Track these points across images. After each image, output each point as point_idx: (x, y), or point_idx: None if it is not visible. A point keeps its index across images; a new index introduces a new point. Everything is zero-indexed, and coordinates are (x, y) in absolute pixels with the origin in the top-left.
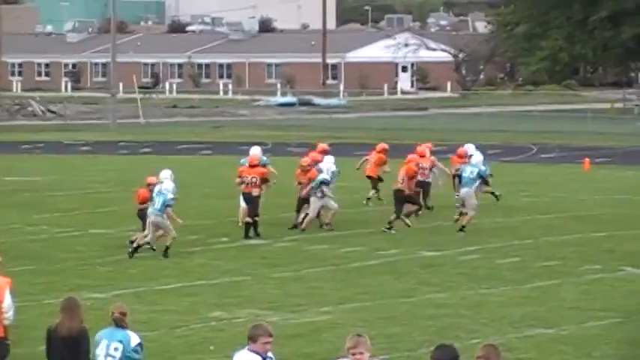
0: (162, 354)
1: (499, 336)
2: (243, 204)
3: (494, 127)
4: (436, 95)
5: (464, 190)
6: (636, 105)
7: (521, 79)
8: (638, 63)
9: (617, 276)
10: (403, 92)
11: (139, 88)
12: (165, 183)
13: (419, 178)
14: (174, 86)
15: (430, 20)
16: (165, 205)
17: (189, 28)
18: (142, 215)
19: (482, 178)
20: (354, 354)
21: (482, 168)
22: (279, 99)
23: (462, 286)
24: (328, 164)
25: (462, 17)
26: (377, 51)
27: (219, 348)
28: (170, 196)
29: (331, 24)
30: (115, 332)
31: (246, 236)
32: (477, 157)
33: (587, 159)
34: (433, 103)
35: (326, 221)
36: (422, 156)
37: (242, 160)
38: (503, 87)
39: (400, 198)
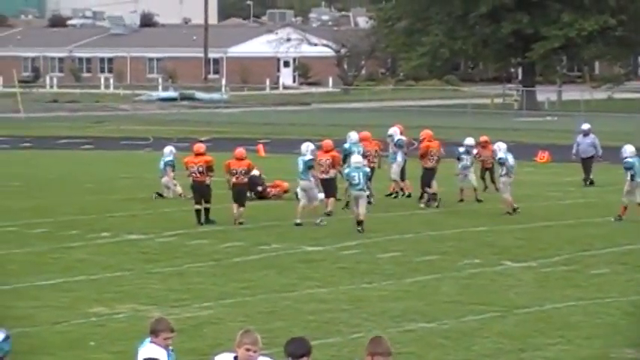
0: (42, 350)
1: (380, 330)
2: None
3: (376, 122)
4: (318, 90)
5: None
6: (515, 100)
7: (402, 74)
8: (517, 58)
9: (496, 270)
10: (285, 87)
11: (19, 82)
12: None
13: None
14: (55, 80)
15: (312, 15)
16: (308, 167)
17: (70, 22)
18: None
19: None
20: (248, 350)
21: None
22: (161, 94)
23: (343, 280)
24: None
25: (343, 12)
26: (259, 46)
27: (100, 344)
28: (309, 156)
29: (213, 19)
30: None
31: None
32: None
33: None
34: (315, 98)
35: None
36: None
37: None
38: (384, 82)
39: None
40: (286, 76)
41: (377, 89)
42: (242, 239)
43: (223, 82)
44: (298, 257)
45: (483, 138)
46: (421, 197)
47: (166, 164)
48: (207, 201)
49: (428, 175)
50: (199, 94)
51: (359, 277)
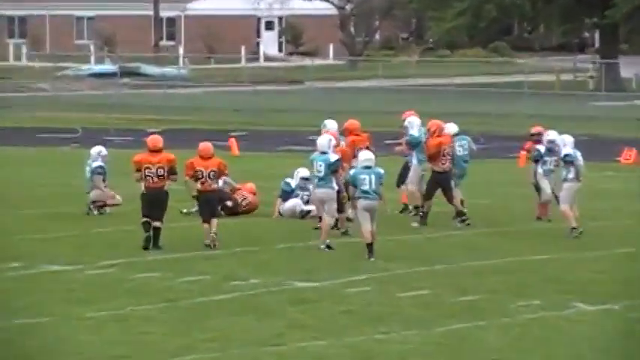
0: None
1: None
2: None
3: (394, 108)
4: (314, 63)
5: None
6: (591, 77)
7: (431, 40)
8: (593, 18)
9: (562, 315)
10: (268, 58)
11: None
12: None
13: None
14: None
15: None
16: (334, 170)
17: None
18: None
19: None
20: None
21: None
22: (94, 67)
23: (348, 329)
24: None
25: None
26: (230, 0)
27: None
28: (335, 156)
29: None
30: None
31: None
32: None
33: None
34: (310, 74)
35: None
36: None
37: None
38: (406, 52)
39: None
40: (269, 42)
41: (396, 61)
42: (207, 271)
43: (181, 50)
44: (286, 296)
45: (537, 129)
46: (458, 215)
47: (94, 172)
48: (160, 217)
49: (442, 181)
50: (147, 69)
51: (370, 325)
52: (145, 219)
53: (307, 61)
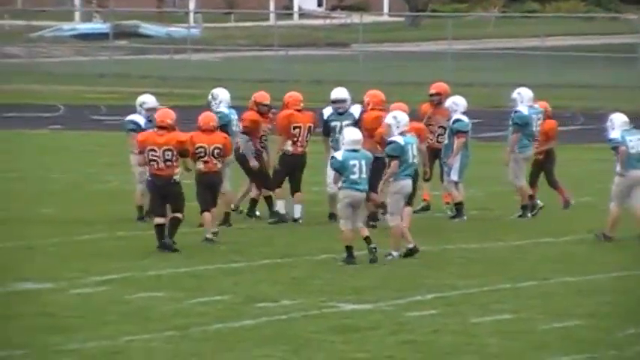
0: None
1: None
2: None
3: (466, 80)
4: (364, 21)
5: None
6: None
7: None
8: None
9: None
10: (303, 15)
11: None
12: None
13: None
14: None
15: None
16: None
17: None
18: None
19: None
20: None
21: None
22: (79, 26)
23: None
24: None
25: None
26: None
27: None
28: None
29: None
30: None
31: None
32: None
33: None
34: (359, 36)
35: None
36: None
37: None
38: (483, 5)
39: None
40: None
41: (469, 19)
42: (226, 290)
43: (191, 4)
44: (329, 323)
45: (541, 104)
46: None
47: (126, 127)
48: (178, 209)
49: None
50: (148, 28)
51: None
52: (158, 220)
53: (355, 18)
